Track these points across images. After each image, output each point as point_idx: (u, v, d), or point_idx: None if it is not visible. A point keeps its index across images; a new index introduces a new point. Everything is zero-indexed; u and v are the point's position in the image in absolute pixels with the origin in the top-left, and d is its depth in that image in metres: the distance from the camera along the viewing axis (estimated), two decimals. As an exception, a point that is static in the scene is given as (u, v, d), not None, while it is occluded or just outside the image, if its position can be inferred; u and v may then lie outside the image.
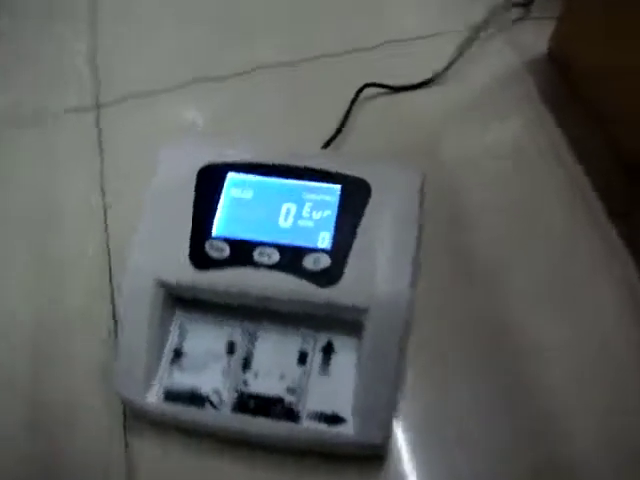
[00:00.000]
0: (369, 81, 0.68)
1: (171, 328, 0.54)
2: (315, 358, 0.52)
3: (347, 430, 0.49)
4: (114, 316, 0.60)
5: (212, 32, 0.77)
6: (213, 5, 0.80)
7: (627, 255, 0.58)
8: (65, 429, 0.55)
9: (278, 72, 0.72)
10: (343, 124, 0.66)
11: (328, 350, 0.52)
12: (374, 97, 0.69)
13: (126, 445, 0.54)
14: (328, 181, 0.53)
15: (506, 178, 0.63)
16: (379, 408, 0.49)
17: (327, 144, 0.64)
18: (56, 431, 0.55)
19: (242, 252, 0.51)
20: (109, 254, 0.63)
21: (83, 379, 0.57)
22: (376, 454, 0.51)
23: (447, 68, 0.70)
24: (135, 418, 0.55)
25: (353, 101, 0.67)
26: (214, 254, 0.51)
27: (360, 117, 0.67)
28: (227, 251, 0.51)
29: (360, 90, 0.67)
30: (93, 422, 0.55)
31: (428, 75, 0.69)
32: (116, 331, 0.59)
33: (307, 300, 0.50)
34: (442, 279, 0.57)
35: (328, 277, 0.50)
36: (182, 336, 0.54)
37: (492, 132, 0.67)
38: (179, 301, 0.54)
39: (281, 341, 0.53)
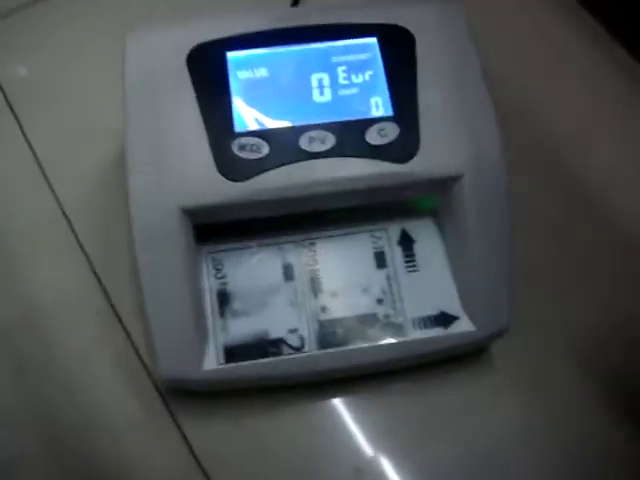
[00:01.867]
0: None
1: (202, 269, 0.40)
2: (395, 255, 0.41)
3: (465, 327, 0.40)
4: (96, 275, 0.44)
5: None
6: None
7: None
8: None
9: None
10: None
11: (406, 241, 0.42)
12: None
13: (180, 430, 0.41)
14: (357, 35, 0.41)
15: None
16: (497, 292, 0.40)
17: (295, 2, 0.51)
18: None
19: (284, 144, 0.39)
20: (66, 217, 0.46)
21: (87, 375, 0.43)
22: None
23: None
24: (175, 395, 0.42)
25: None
26: (249, 155, 0.38)
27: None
28: (265, 147, 0.38)
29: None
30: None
31: None
32: (108, 298, 0.44)
33: (384, 183, 0.39)
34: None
35: (402, 149, 0.39)
36: (220, 274, 0.40)
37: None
38: (201, 232, 0.40)
39: (347, 247, 0.42)
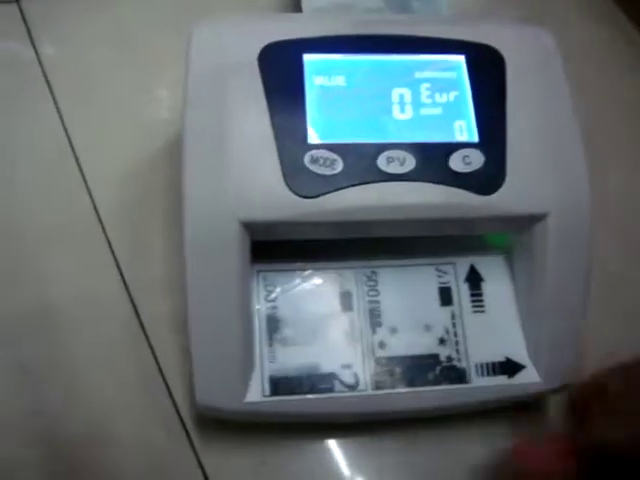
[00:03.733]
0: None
1: (253, 287, 0.36)
2: (461, 292, 0.38)
3: (531, 377, 0.37)
4: (124, 281, 0.40)
5: None
6: None
7: None
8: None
9: None
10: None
11: (474, 278, 0.38)
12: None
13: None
14: (444, 51, 0.38)
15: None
16: (567, 341, 0.37)
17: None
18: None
19: (361, 161, 0.35)
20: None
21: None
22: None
23: None
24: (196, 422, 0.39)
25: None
26: (322, 170, 0.34)
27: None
28: (339, 163, 0.35)
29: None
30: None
31: None
32: (135, 309, 0.40)
33: (465, 214, 0.35)
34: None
35: (487, 179, 0.36)
36: (271, 297, 0.36)
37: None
38: (255, 247, 0.36)
39: (411, 279, 0.38)
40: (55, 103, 0.47)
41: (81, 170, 0.45)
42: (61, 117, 0.47)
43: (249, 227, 0.34)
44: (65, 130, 0.47)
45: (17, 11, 0.50)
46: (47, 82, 0.48)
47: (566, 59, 0.40)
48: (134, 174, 0.46)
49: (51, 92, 0.48)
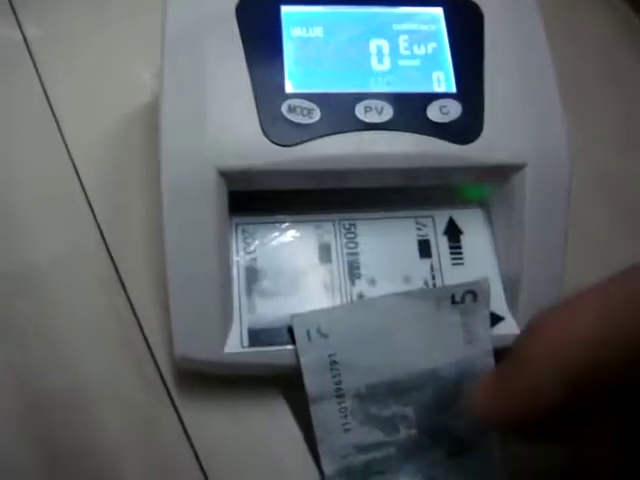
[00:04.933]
0: None
1: (232, 240, 0.36)
2: (440, 245, 0.38)
3: (509, 328, 0.37)
4: (104, 238, 0.40)
5: None
6: None
7: None
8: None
9: None
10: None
11: (453, 231, 0.38)
12: None
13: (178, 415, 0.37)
14: (423, 4, 0.38)
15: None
16: (546, 293, 0.37)
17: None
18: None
19: (339, 110, 0.35)
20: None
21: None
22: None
23: None
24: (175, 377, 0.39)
25: None
26: (299, 119, 0.34)
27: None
28: (317, 112, 0.34)
29: None
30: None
31: None
32: (115, 266, 0.40)
33: (442, 164, 0.35)
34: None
35: (464, 129, 0.36)
36: (249, 249, 0.36)
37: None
38: (233, 199, 0.36)
39: (390, 232, 0.38)
40: (35, 67, 0.47)
41: (61, 132, 0.45)
42: (41, 80, 0.47)
43: (226, 176, 0.34)
44: (45, 92, 0.46)
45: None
46: (27, 47, 0.48)
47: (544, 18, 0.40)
48: (114, 135, 0.45)
49: (31, 57, 0.47)
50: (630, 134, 0.51)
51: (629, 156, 0.50)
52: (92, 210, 0.43)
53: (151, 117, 0.45)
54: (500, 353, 0.39)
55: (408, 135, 0.35)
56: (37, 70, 0.47)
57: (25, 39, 0.48)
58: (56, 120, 0.45)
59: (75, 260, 0.42)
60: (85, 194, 0.43)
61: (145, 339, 0.40)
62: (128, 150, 0.44)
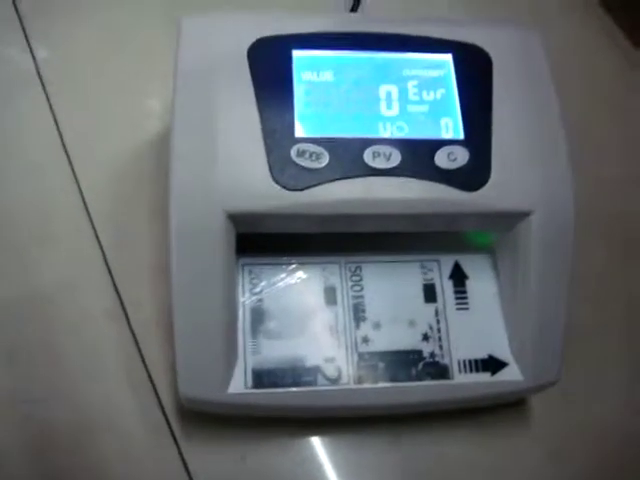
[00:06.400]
0: None
1: (238, 281, 0.36)
2: (445, 289, 0.38)
3: (514, 375, 0.37)
4: (110, 271, 0.41)
5: None
6: None
7: None
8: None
9: None
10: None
11: (458, 276, 0.39)
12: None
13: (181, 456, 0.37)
14: (431, 50, 0.38)
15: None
16: (550, 340, 0.37)
17: (354, 9, 0.48)
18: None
19: (347, 155, 0.35)
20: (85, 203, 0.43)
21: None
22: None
23: None
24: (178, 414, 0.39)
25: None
26: (308, 163, 0.35)
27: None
28: (326, 156, 0.35)
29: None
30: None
31: None
32: (120, 299, 0.40)
33: (450, 210, 0.36)
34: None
35: (472, 176, 0.36)
36: (256, 290, 0.36)
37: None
38: (240, 240, 0.36)
39: (396, 275, 0.38)
40: (47, 98, 0.47)
41: (70, 162, 0.46)
42: (52, 110, 0.47)
43: (235, 219, 0.35)
44: (55, 121, 0.47)
45: (11, 6, 0.50)
46: (40, 77, 0.48)
47: (552, 59, 0.40)
48: (123, 167, 0.46)
49: (43, 88, 0.48)
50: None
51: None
52: (98, 240, 0.43)
53: (160, 148, 0.45)
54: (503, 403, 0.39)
55: (416, 181, 0.35)
56: (47, 96, 0.47)
57: (36, 65, 0.48)
58: (66, 151, 0.45)
59: (81, 292, 0.42)
60: (92, 224, 0.43)
61: (149, 375, 0.40)
62: (137, 181, 0.45)
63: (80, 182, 0.45)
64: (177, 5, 0.50)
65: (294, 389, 0.36)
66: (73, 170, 0.45)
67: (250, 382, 0.36)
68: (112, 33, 0.51)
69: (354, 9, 0.49)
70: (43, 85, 0.48)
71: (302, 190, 0.35)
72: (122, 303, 0.41)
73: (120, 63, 0.50)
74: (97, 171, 0.45)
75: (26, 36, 0.50)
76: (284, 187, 0.35)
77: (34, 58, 0.49)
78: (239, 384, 0.35)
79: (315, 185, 0.35)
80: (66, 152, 0.46)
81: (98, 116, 0.47)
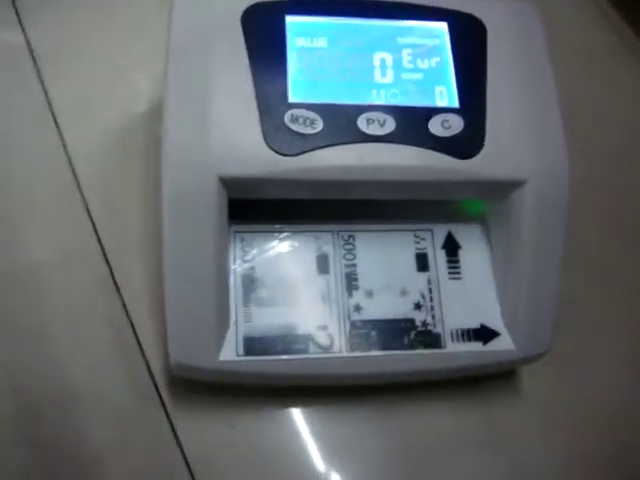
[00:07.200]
0: None
1: (230, 249, 0.36)
2: (438, 259, 0.38)
3: (506, 344, 0.37)
4: (100, 241, 0.40)
5: None
6: None
7: None
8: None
9: None
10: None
11: (451, 245, 0.38)
12: None
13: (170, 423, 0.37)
14: (427, 18, 0.38)
15: None
16: (543, 310, 0.37)
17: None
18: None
19: (341, 122, 0.35)
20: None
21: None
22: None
23: None
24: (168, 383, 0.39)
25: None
26: (301, 129, 0.34)
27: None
28: (319, 122, 0.35)
29: None
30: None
31: None
32: (111, 269, 0.40)
33: (443, 178, 0.36)
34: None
35: (466, 144, 0.36)
36: (248, 257, 0.36)
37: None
38: (232, 207, 0.36)
39: (388, 244, 0.38)
40: (37, 70, 0.47)
41: (61, 135, 0.45)
42: (42, 84, 0.47)
43: (227, 183, 0.34)
44: (46, 96, 0.46)
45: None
46: (30, 51, 0.47)
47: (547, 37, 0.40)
48: (114, 138, 0.45)
49: (34, 60, 0.47)
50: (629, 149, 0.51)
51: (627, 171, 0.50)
52: (89, 214, 0.42)
53: (151, 122, 0.45)
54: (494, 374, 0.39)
55: (410, 148, 0.35)
56: (39, 73, 0.47)
57: (28, 43, 0.48)
58: (56, 123, 0.45)
59: (71, 262, 0.42)
60: (83, 197, 0.43)
61: (139, 344, 0.40)
62: (127, 155, 0.44)
63: (71, 157, 0.44)
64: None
65: (285, 357, 0.36)
66: (64, 145, 0.44)
67: (241, 349, 0.35)
68: (102, 8, 0.50)
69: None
70: (34, 60, 0.47)
71: (296, 155, 0.34)
72: (112, 274, 0.41)
73: (111, 37, 0.49)
74: (88, 145, 0.45)
75: (17, 12, 0.50)
76: (278, 152, 0.34)
77: (24, 33, 0.49)
78: (230, 351, 0.35)
79: (309, 151, 0.35)
80: (57, 127, 0.45)
81: (88, 89, 0.46)
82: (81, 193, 0.43)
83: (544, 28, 0.40)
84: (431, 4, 0.39)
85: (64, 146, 0.44)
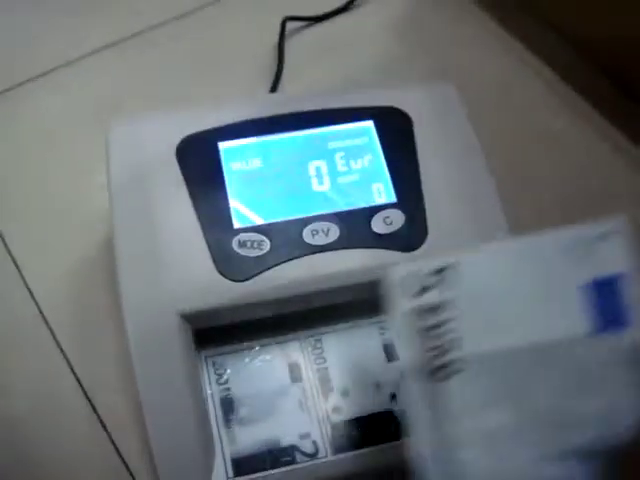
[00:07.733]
0: (286, 15, 0.56)
1: (203, 375, 0.37)
2: (405, 346, 0.39)
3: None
4: (82, 386, 0.41)
5: None
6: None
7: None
8: None
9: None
10: (280, 62, 0.52)
11: (416, 331, 0.39)
12: (298, 30, 0.57)
13: None
14: (352, 119, 0.40)
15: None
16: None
17: (274, 87, 0.50)
18: None
19: (287, 238, 0.37)
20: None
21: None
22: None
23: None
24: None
25: (281, 37, 0.53)
26: (250, 252, 0.36)
27: (293, 53, 0.54)
28: (267, 243, 0.36)
29: (283, 24, 0.54)
30: None
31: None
32: (93, 406, 0.40)
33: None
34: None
35: (410, 237, 0.37)
36: (222, 380, 0.37)
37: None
38: (199, 334, 0.37)
39: (355, 340, 0.39)
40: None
41: (24, 279, 0.46)
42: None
43: (188, 317, 0.35)
44: (2, 238, 0.47)
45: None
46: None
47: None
48: (75, 274, 0.46)
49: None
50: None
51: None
52: (62, 351, 0.43)
53: (110, 251, 0.46)
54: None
55: (356, 251, 0.37)
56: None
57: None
58: (15, 264, 0.46)
59: (52, 403, 0.42)
60: (53, 336, 0.44)
61: (130, 473, 0.40)
62: (91, 286, 0.45)
63: (36, 298, 0.45)
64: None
65: (274, 471, 0.36)
66: (28, 288, 0.45)
67: (231, 471, 0.36)
68: (47, 132, 0.51)
69: (274, 89, 0.51)
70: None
71: (248, 280, 0.36)
72: (95, 410, 0.42)
73: (59, 166, 0.50)
74: (51, 284, 0.46)
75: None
76: (231, 279, 0.36)
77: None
78: (220, 476, 0.36)
79: (260, 272, 0.36)
80: (18, 269, 0.46)
81: (43, 225, 0.48)
82: (52, 334, 0.44)
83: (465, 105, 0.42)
84: (355, 105, 0.40)
85: (30, 292, 0.45)
